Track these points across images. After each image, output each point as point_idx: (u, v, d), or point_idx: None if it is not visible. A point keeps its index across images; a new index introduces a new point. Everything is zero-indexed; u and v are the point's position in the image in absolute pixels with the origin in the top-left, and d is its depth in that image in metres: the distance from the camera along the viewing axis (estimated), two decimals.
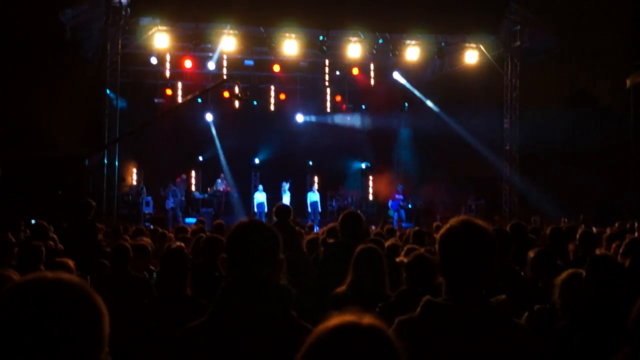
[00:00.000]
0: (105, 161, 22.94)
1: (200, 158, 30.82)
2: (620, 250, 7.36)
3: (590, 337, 4.23)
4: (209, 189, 28.35)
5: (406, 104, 31.67)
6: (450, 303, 2.88)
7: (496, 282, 3.10)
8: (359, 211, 8.21)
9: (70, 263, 6.19)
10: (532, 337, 2.95)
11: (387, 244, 8.73)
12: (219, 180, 28.81)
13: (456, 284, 2.92)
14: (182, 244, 9.23)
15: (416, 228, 13.14)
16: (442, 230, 3.02)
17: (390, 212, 27.85)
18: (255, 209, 28.06)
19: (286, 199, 26.97)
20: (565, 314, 4.78)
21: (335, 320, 1.86)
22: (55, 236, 10.68)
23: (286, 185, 28.27)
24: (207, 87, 24.04)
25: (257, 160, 31.25)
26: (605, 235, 10.21)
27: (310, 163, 32.08)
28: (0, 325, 1.67)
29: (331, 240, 8.58)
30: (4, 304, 1.71)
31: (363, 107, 32.08)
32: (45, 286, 1.73)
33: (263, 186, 28.95)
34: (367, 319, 1.85)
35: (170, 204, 26.05)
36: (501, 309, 2.89)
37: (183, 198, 27.30)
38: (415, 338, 2.82)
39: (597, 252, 8.19)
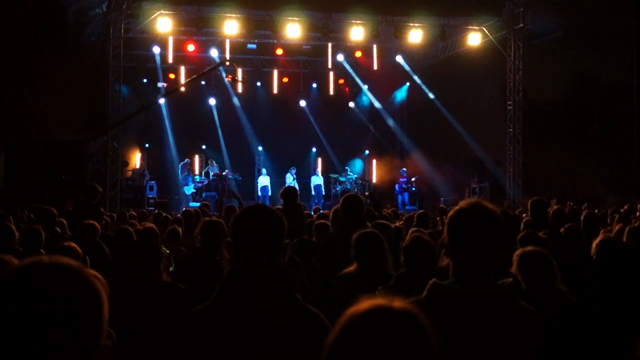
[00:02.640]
0: (108, 145, 22.99)
1: (204, 146, 30.84)
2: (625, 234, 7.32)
3: (603, 319, 4.23)
4: (212, 174, 28.36)
5: (407, 84, 31.64)
6: (457, 286, 2.87)
7: (502, 265, 3.10)
8: (359, 194, 8.23)
9: (77, 248, 6.19)
10: (538, 319, 2.95)
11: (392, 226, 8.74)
12: (211, 166, 28.85)
13: (464, 267, 2.92)
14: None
15: (420, 211, 13.17)
16: (451, 212, 3.01)
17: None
18: (259, 193, 28.15)
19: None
20: (531, 291, 4.84)
21: (365, 303, 1.84)
22: (64, 221, 10.69)
23: (293, 171, 28.34)
24: (205, 70, 24.03)
25: (260, 144, 31.26)
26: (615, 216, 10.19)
27: (314, 149, 32.13)
28: None
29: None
30: (0, 289, 1.69)
31: (366, 90, 32.07)
32: (41, 271, 1.71)
33: (266, 170, 29.06)
34: (398, 303, 1.83)
35: (189, 189, 26.44)
36: (508, 292, 2.89)
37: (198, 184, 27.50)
38: None
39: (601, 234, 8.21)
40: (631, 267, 4.40)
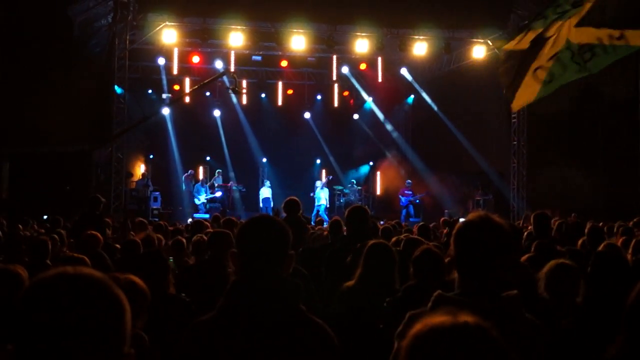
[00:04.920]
0: (113, 156, 23.04)
1: (208, 158, 30.88)
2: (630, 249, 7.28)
3: (594, 332, 4.21)
4: (216, 185, 28.36)
5: (412, 96, 31.68)
6: (462, 297, 2.89)
7: (506, 277, 3.10)
8: (365, 206, 8.22)
9: (86, 259, 6.20)
10: (543, 331, 2.96)
11: (393, 239, 8.72)
12: (217, 177, 28.81)
13: (470, 278, 2.94)
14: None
15: (421, 223, 13.14)
16: (459, 224, 3.04)
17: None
18: (261, 204, 28.13)
19: (323, 195, 27.74)
20: (558, 306, 4.80)
21: (437, 319, 1.81)
22: (62, 231, 10.72)
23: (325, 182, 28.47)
24: (206, 80, 24.03)
25: (264, 155, 31.31)
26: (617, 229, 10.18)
27: (319, 161, 32.19)
28: (25, 321, 1.68)
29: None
30: (28, 299, 1.72)
31: (370, 102, 32.08)
32: (67, 281, 1.74)
33: (271, 181, 29.09)
34: (471, 318, 1.82)
35: (199, 199, 26.54)
36: (512, 304, 2.90)
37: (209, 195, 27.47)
38: None
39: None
40: (621, 279, 4.38)
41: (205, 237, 7.90)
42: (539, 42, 9.73)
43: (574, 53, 9.37)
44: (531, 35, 9.86)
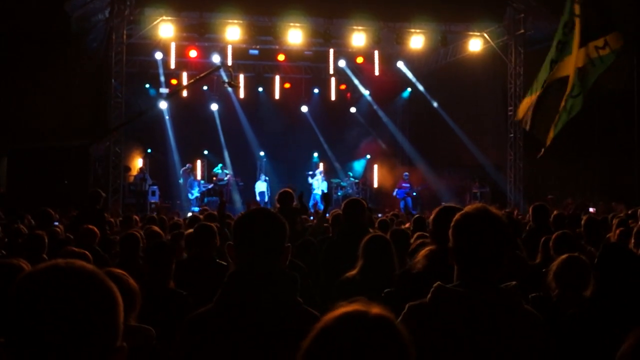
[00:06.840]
0: (111, 150, 23.05)
1: (206, 152, 30.84)
2: (632, 240, 7.27)
3: (601, 325, 4.23)
4: (214, 178, 28.34)
5: (409, 89, 31.64)
6: (461, 289, 2.91)
7: (504, 269, 3.13)
8: (362, 199, 8.21)
9: (87, 253, 6.21)
10: (541, 323, 2.99)
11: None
12: (220, 170, 28.67)
13: (468, 270, 2.96)
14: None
15: (416, 215, 13.14)
16: (457, 217, 3.05)
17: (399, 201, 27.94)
18: (257, 198, 28.11)
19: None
20: (563, 299, 4.84)
21: (342, 309, 1.84)
22: (61, 226, 10.74)
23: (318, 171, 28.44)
24: (202, 74, 23.97)
25: (262, 149, 31.28)
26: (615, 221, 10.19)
27: (316, 155, 32.15)
28: (16, 314, 1.67)
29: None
30: (18, 292, 1.70)
31: (367, 95, 32.05)
32: (58, 274, 1.72)
33: (269, 175, 29.08)
34: (375, 309, 1.83)
35: (193, 194, 26.44)
36: (511, 295, 2.93)
37: (203, 188, 27.42)
38: (427, 323, 2.88)
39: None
40: (631, 273, 4.39)
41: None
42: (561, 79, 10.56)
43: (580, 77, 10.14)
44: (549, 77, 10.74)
